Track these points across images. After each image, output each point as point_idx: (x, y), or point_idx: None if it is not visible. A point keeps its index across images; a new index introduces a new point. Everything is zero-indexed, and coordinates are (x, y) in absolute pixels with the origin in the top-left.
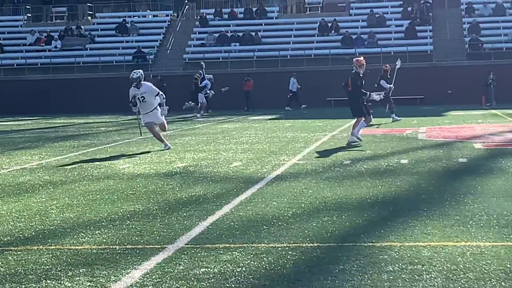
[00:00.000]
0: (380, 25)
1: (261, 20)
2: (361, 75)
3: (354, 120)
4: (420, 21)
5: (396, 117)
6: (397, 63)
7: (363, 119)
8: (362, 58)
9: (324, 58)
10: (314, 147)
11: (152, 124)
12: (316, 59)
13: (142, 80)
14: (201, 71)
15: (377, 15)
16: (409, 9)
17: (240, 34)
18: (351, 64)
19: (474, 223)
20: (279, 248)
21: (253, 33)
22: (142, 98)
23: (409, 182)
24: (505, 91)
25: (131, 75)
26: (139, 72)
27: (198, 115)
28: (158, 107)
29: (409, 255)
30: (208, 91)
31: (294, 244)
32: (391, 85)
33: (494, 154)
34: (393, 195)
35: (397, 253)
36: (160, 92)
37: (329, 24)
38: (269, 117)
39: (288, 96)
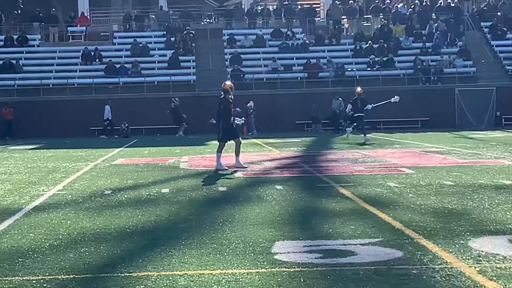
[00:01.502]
0: (144, 55)
1: (22, 48)
2: (229, 99)
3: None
4: (184, 51)
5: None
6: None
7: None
8: (229, 82)
9: (88, 87)
10: (75, 177)
11: None
12: (80, 88)
13: None
14: None
15: (140, 45)
16: (173, 39)
17: (0, 62)
18: (114, 93)
19: (230, 251)
20: (34, 281)
21: (14, 61)
22: None
23: (169, 211)
24: (265, 120)
25: None
26: None
27: None
28: None
29: (165, 284)
30: None
31: (49, 277)
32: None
33: (253, 183)
34: (153, 225)
35: (154, 282)
36: None
37: (92, 53)
38: (31, 146)
39: (105, 123)
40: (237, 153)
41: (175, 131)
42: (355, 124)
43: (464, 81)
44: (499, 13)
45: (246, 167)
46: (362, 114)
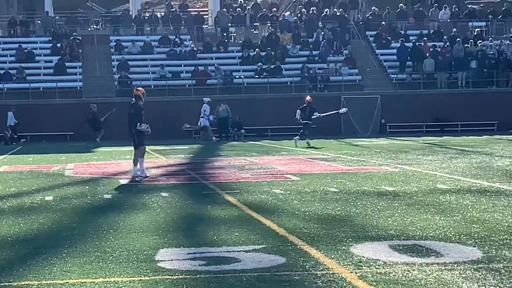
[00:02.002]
0: (29, 61)
1: None
2: (140, 104)
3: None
4: (70, 57)
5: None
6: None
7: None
8: (140, 88)
9: None
10: None
11: None
12: None
13: None
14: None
15: (25, 50)
16: (59, 45)
17: None
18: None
19: (114, 258)
20: None
21: None
22: None
23: (52, 219)
24: (154, 128)
25: None
26: None
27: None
28: None
29: None
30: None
31: None
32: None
33: (139, 190)
34: (35, 233)
35: None
36: None
37: None
38: None
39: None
40: (135, 162)
41: (66, 137)
42: (301, 131)
43: (350, 89)
44: (383, 22)
45: (147, 176)
46: (309, 122)
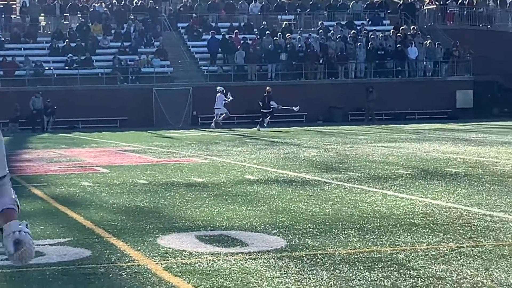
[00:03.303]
0: None
1: None
2: None
3: None
4: None
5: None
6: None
7: None
8: None
9: None
10: None
11: None
12: None
13: None
14: None
15: None
16: None
17: None
18: None
19: None
20: None
21: None
22: None
23: None
24: None
25: None
26: None
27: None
28: None
29: None
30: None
31: None
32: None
33: None
34: None
35: None
36: None
37: None
38: None
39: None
40: None
41: None
42: (261, 119)
43: (161, 81)
44: (194, 15)
45: None
46: (270, 110)
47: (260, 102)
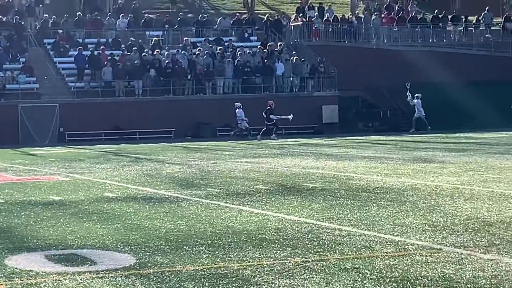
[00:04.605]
0: None
1: None
2: None
3: None
4: None
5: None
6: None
7: None
8: None
9: None
10: None
11: None
12: None
13: None
14: None
15: None
16: None
17: None
18: None
19: None
20: None
21: None
22: None
23: None
24: None
25: None
26: None
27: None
28: None
29: None
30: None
31: None
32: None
33: None
34: None
35: None
36: None
37: None
38: None
39: None
40: None
41: None
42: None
43: (27, 97)
44: (61, 31)
45: None
46: (273, 122)
47: (264, 114)
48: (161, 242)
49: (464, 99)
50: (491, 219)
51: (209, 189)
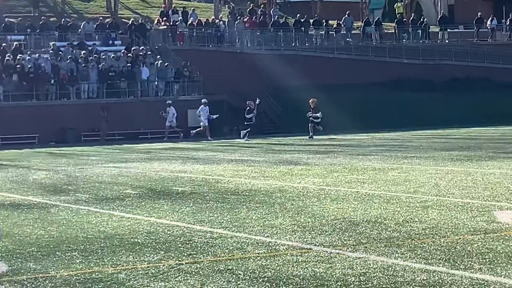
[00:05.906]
0: None
1: None
2: None
3: None
4: None
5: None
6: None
7: None
8: None
9: None
10: None
11: None
12: None
13: None
14: None
15: None
16: None
17: None
18: None
19: None
20: None
21: None
22: None
23: None
24: None
25: None
26: None
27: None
28: None
29: None
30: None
31: None
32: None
33: None
34: None
35: None
36: None
37: None
38: None
39: None
40: None
41: None
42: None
43: None
44: None
45: None
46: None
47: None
48: (33, 248)
49: (324, 102)
50: (358, 219)
51: (78, 195)
